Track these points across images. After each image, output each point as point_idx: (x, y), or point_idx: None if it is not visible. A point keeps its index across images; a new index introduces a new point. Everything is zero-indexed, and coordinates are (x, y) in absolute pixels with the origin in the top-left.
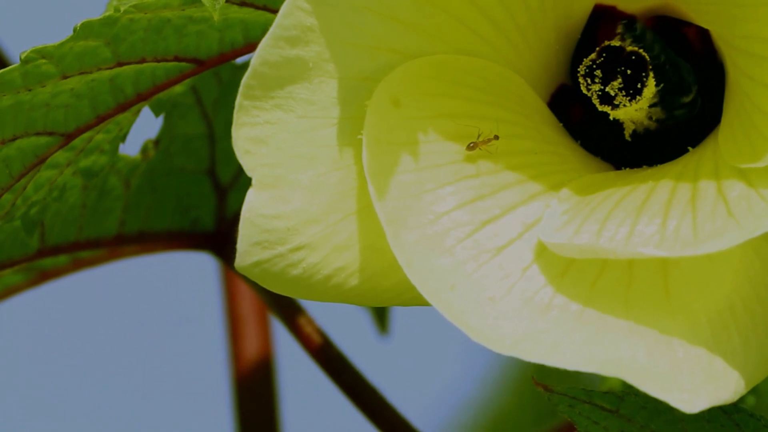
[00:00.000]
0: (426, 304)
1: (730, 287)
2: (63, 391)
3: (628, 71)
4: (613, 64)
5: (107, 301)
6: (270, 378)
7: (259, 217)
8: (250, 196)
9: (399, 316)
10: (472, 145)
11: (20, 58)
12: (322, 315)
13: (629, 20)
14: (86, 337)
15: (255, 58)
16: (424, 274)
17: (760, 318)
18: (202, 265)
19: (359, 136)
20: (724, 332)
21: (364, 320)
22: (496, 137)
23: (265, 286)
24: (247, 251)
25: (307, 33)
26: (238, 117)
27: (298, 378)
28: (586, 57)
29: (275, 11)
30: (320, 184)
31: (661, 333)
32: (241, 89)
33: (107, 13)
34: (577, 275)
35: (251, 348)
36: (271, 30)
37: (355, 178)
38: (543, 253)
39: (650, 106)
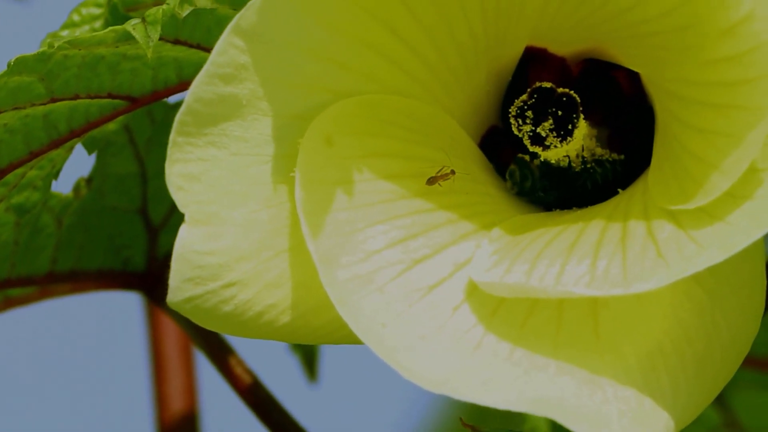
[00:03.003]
0: (358, 342)
1: (660, 328)
2: None
3: (559, 112)
4: (545, 105)
5: (34, 339)
6: (194, 421)
7: (191, 253)
8: (183, 232)
9: (331, 358)
10: (431, 179)
11: None
12: (254, 356)
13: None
14: (12, 377)
15: (189, 94)
16: (355, 312)
17: (690, 359)
18: (133, 304)
19: (292, 174)
20: (654, 373)
21: (295, 363)
22: (453, 172)
23: (196, 323)
24: (179, 287)
25: (240, 71)
26: (171, 153)
27: (227, 419)
28: (518, 98)
29: (209, 50)
30: (253, 221)
31: (590, 373)
32: (174, 126)
33: (41, 49)
34: (507, 314)
35: (176, 389)
36: (206, 67)
37: (287, 216)
38: (474, 292)
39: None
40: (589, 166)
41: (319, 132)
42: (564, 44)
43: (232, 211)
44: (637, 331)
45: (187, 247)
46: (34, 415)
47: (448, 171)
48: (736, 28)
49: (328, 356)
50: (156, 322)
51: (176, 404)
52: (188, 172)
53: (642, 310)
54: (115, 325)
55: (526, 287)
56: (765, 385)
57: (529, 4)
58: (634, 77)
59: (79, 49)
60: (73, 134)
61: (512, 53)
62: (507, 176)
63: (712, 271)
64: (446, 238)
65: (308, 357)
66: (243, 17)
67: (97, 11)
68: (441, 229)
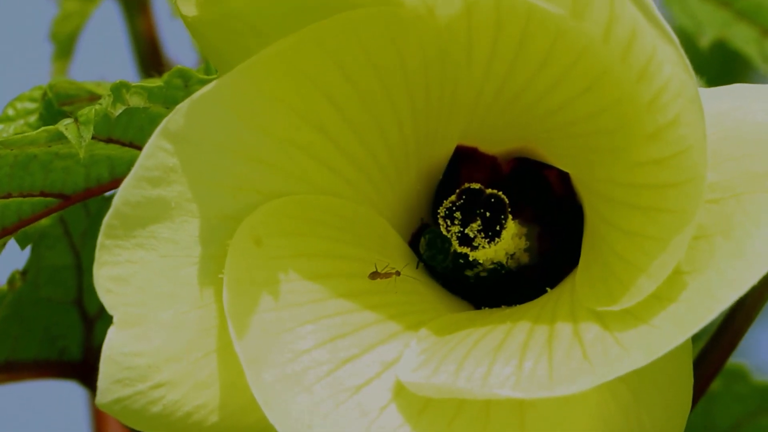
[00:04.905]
0: None
1: (586, 428)
2: None
3: (488, 213)
4: (473, 206)
5: None
6: None
7: (119, 355)
8: (111, 334)
9: None
10: (373, 274)
11: None
12: None
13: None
14: None
15: (117, 197)
16: (282, 413)
17: None
18: (73, 392)
19: (221, 275)
20: None
21: None
22: (398, 273)
23: (125, 423)
24: (108, 388)
25: (169, 173)
26: (99, 256)
27: None
28: (447, 197)
29: (141, 148)
30: (182, 322)
31: None
32: (102, 228)
33: None
34: (434, 414)
35: None
36: (134, 170)
37: (216, 317)
38: (401, 392)
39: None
40: (504, 270)
41: (248, 233)
42: (494, 143)
43: (161, 313)
44: (563, 430)
45: (116, 349)
46: None
47: (393, 270)
48: (663, 132)
49: None
50: (98, 408)
51: None
52: (117, 274)
53: (568, 410)
54: (61, 411)
55: (453, 388)
56: None
57: (459, 104)
58: (564, 176)
59: (11, 149)
60: (5, 232)
61: (443, 152)
62: (423, 244)
63: (638, 370)
64: (375, 338)
65: None
66: (171, 121)
67: (31, 106)
68: (369, 328)
